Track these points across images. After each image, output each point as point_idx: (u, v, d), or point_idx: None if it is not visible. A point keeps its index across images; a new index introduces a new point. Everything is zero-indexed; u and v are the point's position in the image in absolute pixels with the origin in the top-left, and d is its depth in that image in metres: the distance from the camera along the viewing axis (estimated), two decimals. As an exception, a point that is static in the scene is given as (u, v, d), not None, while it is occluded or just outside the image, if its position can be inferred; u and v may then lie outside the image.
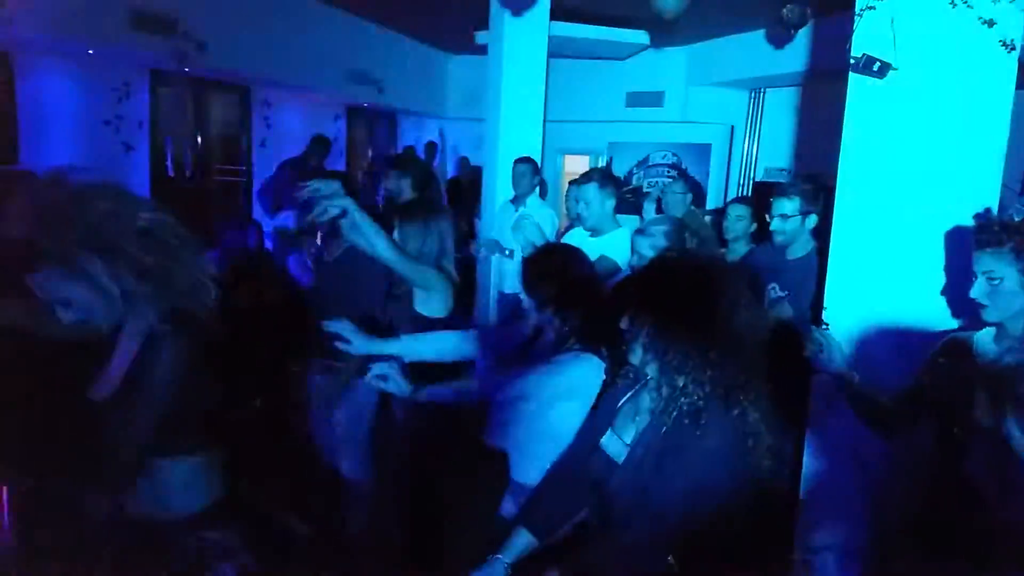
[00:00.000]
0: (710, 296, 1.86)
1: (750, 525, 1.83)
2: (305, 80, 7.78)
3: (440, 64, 10.10)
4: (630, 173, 9.08)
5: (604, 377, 2.35)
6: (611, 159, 9.13)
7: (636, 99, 8.98)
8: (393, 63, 8.98)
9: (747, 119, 8.71)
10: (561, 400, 2.41)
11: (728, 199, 7.07)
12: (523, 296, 2.61)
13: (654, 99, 8.88)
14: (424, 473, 3.21)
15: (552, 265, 2.60)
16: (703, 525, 1.81)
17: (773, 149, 8.57)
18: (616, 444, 2.04)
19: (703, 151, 8.87)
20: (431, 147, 10.36)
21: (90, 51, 5.71)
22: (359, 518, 3.68)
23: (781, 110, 8.45)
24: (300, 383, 3.84)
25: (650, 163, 9.03)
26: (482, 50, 6.82)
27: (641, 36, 7.51)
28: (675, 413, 1.85)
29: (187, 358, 1.77)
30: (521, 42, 6.18)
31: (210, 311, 1.82)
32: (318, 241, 3.94)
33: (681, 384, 1.83)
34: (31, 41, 4.78)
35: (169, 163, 7.04)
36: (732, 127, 8.78)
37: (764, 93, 8.58)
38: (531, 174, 5.49)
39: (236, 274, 5.12)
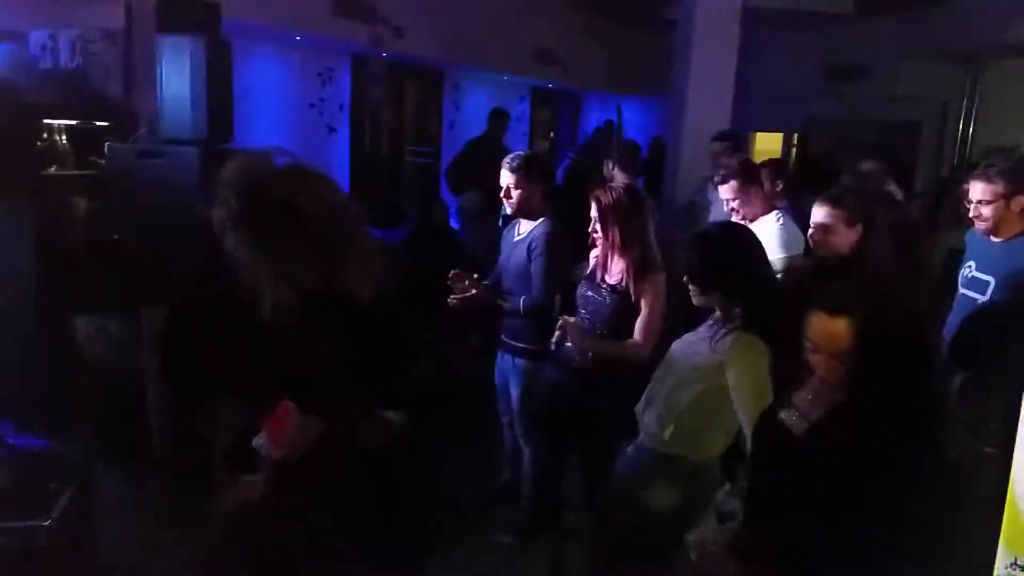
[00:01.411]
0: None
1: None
2: (494, 62, 7.92)
3: (626, 41, 9.93)
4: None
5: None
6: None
7: (838, 73, 8.37)
8: (578, 41, 8.94)
9: (965, 94, 7.89)
10: (719, 378, 2.45)
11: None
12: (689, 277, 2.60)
13: (859, 72, 8.24)
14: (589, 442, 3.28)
15: (730, 247, 2.54)
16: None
17: (995, 126, 7.70)
18: (792, 417, 2.02)
19: (912, 129, 8.15)
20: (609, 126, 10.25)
21: (298, 37, 6.14)
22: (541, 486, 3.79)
23: (1007, 83, 7.57)
24: (478, 358, 3.94)
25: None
26: (670, 25, 6.63)
27: (844, 4, 6.99)
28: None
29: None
30: (712, 14, 5.94)
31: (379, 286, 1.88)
32: (500, 220, 4.01)
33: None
34: (247, 28, 5.21)
35: (366, 144, 7.44)
36: (947, 103, 7.99)
37: (985, 65, 7.73)
38: (730, 152, 5.26)
39: (421, 251, 5.32)
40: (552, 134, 10.64)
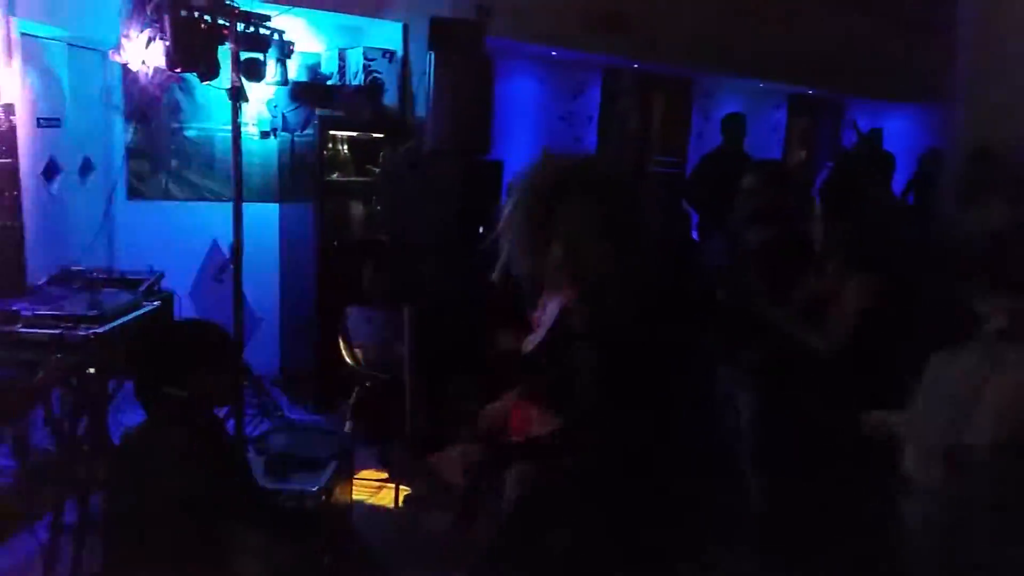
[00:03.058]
0: None
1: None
2: (748, 69, 7.67)
3: (895, 44, 9.12)
4: None
5: None
6: None
7: None
8: (841, 45, 8.37)
9: None
10: None
11: None
12: None
13: None
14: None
15: None
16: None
17: None
18: None
19: None
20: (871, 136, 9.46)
21: (553, 53, 6.37)
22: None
23: None
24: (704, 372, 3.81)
25: None
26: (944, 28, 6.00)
27: None
28: None
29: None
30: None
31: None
32: (742, 231, 3.86)
33: None
34: (509, 47, 5.51)
35: (612, 154, 7.52)
36: None
37: None
38: None
39: (663, 262, 5.27)
40: (810, 144, 10.08)
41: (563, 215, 1.81)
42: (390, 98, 4.94)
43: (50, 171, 4.37)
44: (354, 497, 3.65)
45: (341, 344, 4.60)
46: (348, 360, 4.51)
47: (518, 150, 6.23)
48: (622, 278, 1.83)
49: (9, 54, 3.94)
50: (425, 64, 4.05)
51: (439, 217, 3.89)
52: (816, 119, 10.05)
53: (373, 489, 4.05)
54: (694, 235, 6.43)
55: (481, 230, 4.13)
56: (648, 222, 1.92)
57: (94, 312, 3.09)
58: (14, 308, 3.11)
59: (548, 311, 1.92)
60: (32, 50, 4.11)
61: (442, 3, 4.61)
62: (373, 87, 4.82)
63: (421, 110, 4.84)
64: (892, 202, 4.99)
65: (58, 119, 4.38)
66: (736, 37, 7.14)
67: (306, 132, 4.73)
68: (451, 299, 3.91)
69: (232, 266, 4.00)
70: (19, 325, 3.02)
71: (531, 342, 1.96)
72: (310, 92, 4.74)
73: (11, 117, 3.97)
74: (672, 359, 2.13)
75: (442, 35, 3.88)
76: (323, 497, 3.05)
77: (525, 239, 1.85)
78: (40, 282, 3.62)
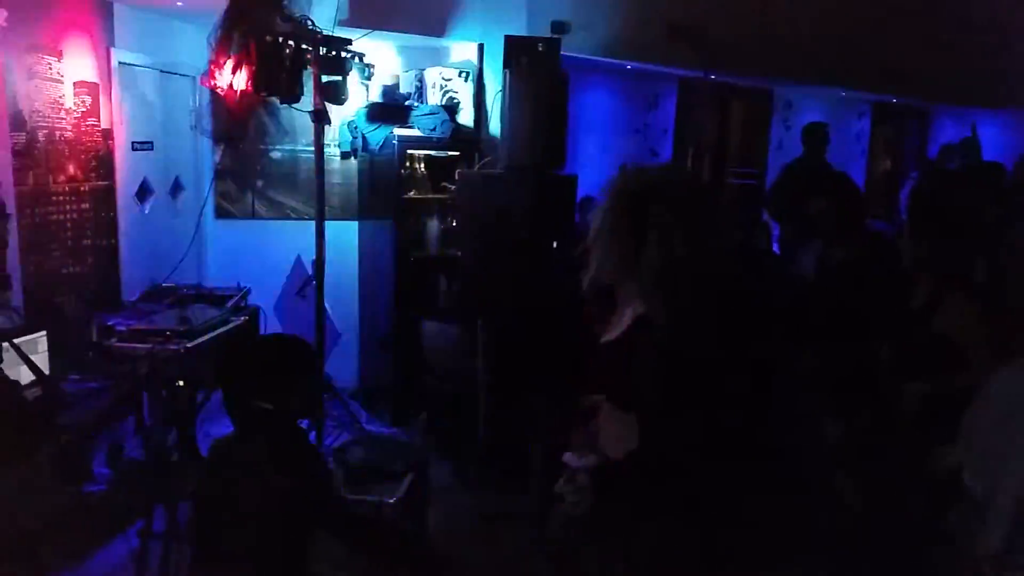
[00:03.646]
0: None
1: None
2: (830, 78, 7.47)
3: (982, 48, 8.73)
4: None
5: None
6: None
7: None
8: (927, 51, 8.07)
9: None
10: None
11: None
12: None
13: None
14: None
15: None
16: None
17: None
18: None
19: None
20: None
21: (628, 66, 6.35)
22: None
23: None
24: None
25: None
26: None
27: None
28: None
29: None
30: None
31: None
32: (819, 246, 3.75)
33: None
34: (583, 61, 5.52)
35: (687, 166, 7.44)
36: None
37: None
38: None
39: (743, 273, 5.17)
40: (895, 153, 9.75)
41: (650, 222, 1.84)
42: (465, 117, 5.01)
43: (143, 192, 4.59)
44: (430, 509, 3.67)
45: (418, 357, 4.67)
46: (423, 374, 4.58)
47: (592, 164, 6.23)
48: (702, 286, 1.83)
49: (108, 82, 4.17)
50: (500, 82, 4.10)
51: (513, 232, 3.91)
52: (901, 128, 9.72)
53: (450, 501, 4.07)
54: (775, 247, 6.28)
55: (555, 244, 4.14)
56: (729, 232, 1.92)
57: (184, 327, 3.22)
58: (109, 323, 3.27)
59: (623, 316, 1.92)
60: (128, 78, 4.34)
61: (518, 21, 4.66)
62: (449, 106, 4.89)
63: (496, 127, 4.90)
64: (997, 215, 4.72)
65: (151, 143, 4.60)
66: (818, 45, 6.97)
67: (384, 151, 4.84)
68: (525, 313, 3.92)
69: (314, 282, 4.12)
70: (114, 339, 3.18)
71: (605, 344, 1.96)
72: (388, 112, 4.85)
73: (109, 142, 4.20)
74: (751, 370, 2.08)
75: (517, 53, 3.92)
76: (401, 508, 3.09)
77: (611, 247, 1.89)
78: (133, 298, 3.79)
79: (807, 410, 3.48)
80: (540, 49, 3.91)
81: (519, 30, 4.43)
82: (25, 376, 2.83)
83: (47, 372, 3.02)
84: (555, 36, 4.13)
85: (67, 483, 3.26)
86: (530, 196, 3.91)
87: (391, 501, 3.10)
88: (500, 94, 4.43)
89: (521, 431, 3.83)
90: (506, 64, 3.99)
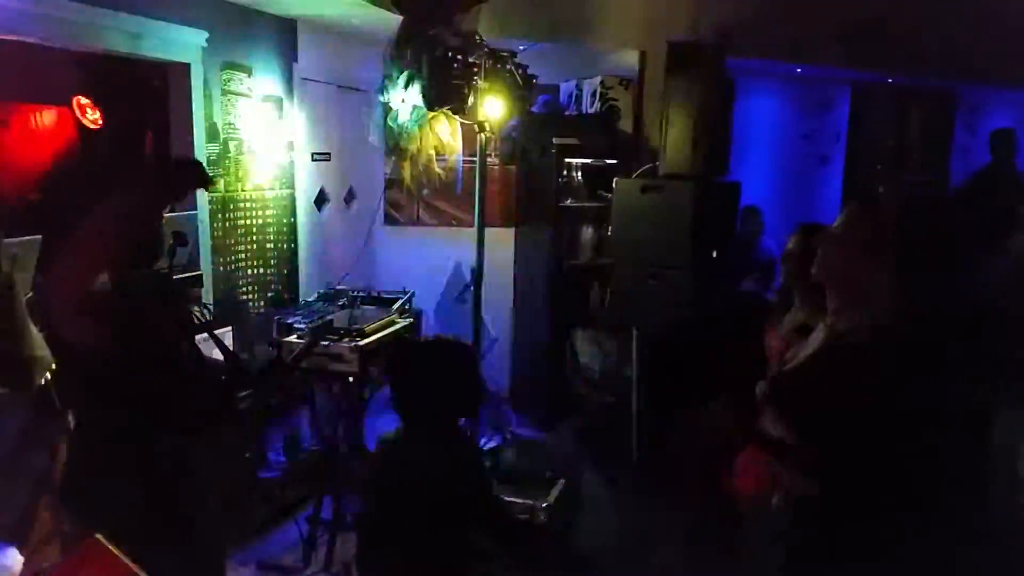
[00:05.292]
0: None
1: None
2: (1020, 79, 6.82)
3: None
4: None
5: None
6: None
7: None
8: None
9: None
10: None
11: None
12: None
13: None
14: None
15: None
16: None
17: None
18: None
19: None
20: None
21: (798, 70, 6.09)
22: None
23: None
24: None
25: None
26: None
27: None
28: None
29: None
30: None
31: None
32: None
33: None
34: (751, 65, 5.35)
35: (861, 174, 7.03)
36: None
37: None
38: None
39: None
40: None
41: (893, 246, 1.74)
42: (625, 124, 4.99)
43: (321, 200, 4.90)
44: (580, 517, 3.68)
45: (571, 365, 4.69)
46: (575, 381, 4.59)
47: (755, 170, 6.01)
48: (906, 301, 1.72)
49: (291, 97, 4.49)
50: (662, 88, 4.05)
51: (673, 240, 3.85)
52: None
53: (599, 510, 4.05)
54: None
55: (714, 254, 4.03)
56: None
57: (355, 327, 3.41)
58: (289, 321, 3.52)
59: (814, 335, 1.83)
60: (308, 92, 4.65)
61: (681, 26, 4.59)
62: (608, 114, 4.89)
63: (656, 135, 4.84)
64: None
65: (328, 153, 4.91)
66: (1005, 44, 6.38)
67: (543, 160, 4.90)
68: (684, 323, 3.84)
69: (472, 287, 4.23)
70: (293, 336, 3.41)
71: (793, 362, 1.87)
72: (547, 122, 4.91)
73: (291, 153, 4.52)
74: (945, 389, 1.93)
75: (680, 58, 3.86)
76: (552, 514, 3.12)
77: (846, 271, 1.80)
78: (311, 299, 4.05)
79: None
80: (704, 54, 3.83)
81: (683, 35, 4.36)
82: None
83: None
84: (720, 40, 4.03)
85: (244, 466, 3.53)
86: (690, 204, 3.83)
87: (543, 506, 3.13)
88: (661, 100, 4.38)
89: (676, 445, 3.76)
90: (669, 70, 3.94)
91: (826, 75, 6.47)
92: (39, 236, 2.30)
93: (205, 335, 2.48)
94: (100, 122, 4.11)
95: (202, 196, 3.84)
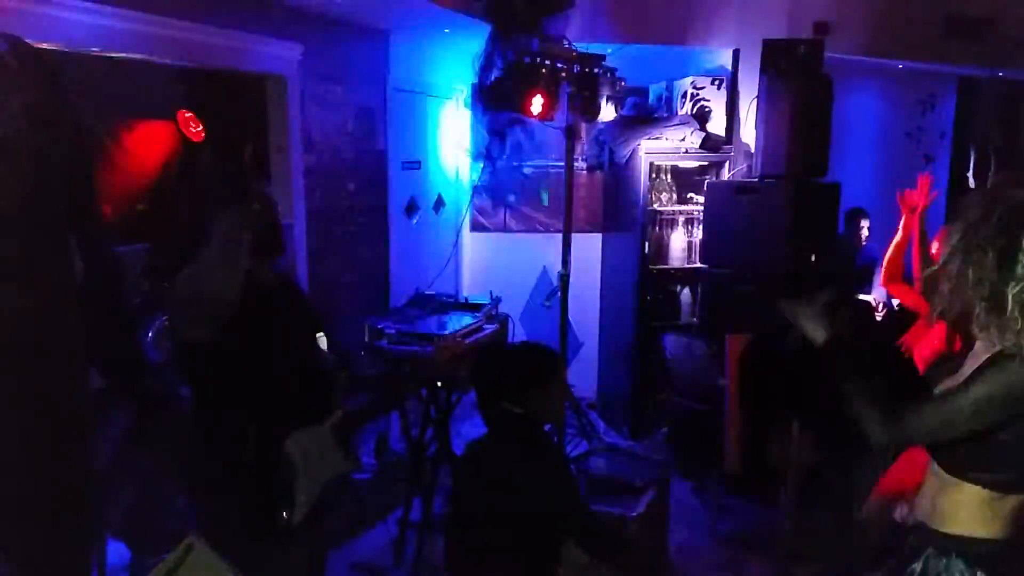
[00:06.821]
0: None
1: None
2: None
3: None
4: None
5: None
6: None
7: None
8: None
9: None
10: None
11: None
12: None
13: None
14: None
15: None
16: None
17: None
18: None
19: None
20: None
21: (900, 66, 5.82)
22: None
23: None
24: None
25: None
26: None
27: None
28: None
29: None
30: None
31: None
32: None
33: None
34: (851, 62, 5.15)
35: (970, 174, 6.68)
36: None
37: None
38: None
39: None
40: None
41: None
42: (716, 125, 4.87)
43: (411, 208, 4.97)
44: (670, 527, 3.59)
45: (660, 371, 4.58)
46: (663, 388, 4.49)
47: (855, 170, 5.78)
48: None
49: (383, 107, 4.58)
50: (756, 88, 3.94)
51: (768, 244, 3.73)
52: None
53: (689, 521, 3.96)
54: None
55: (813, 257, 3.89)
56: None
57: (443, 332, 3.43)
58: (379, 326, 3.57)
59: (975, 357, 1.66)
60: (399, 102, 4.73)
61: (777, 24, 4.46)
62: (699, 115, 4.78)
63: (750, 136, 4.71)
64: None
65: (418, 162, 4.98)
66: None
67: (631, 164, 4.84)
68: (779, 329, 3.70)
69: (559, 293, 4.22)
70: (384, 341, 3.46)
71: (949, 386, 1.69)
72: (636, 124, 4.83)
73: (383, 162, 4.61)
74: None
75: (776, 56, 3.75)
76: (642, 523, 3.05)
77: (970, 270, 1.63)
78: (400, 304, 4.11)
79: None
80: (801, 51, 3.70)
81: (778, 33, 4.23)
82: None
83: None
84: (818, 37, 3.89)
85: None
86: (787, 206, 3.70)
87: (633, 515, 3.07)
88: (755, 100, 4.26)
89: (770, 455, 3.63)
90: (764, 69, 3.83)
91: (930, 71, 6.17)
92: (145, 244, 2.39)
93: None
94: (203, 134, 4.27)
95: (300, 206, 3.95)
